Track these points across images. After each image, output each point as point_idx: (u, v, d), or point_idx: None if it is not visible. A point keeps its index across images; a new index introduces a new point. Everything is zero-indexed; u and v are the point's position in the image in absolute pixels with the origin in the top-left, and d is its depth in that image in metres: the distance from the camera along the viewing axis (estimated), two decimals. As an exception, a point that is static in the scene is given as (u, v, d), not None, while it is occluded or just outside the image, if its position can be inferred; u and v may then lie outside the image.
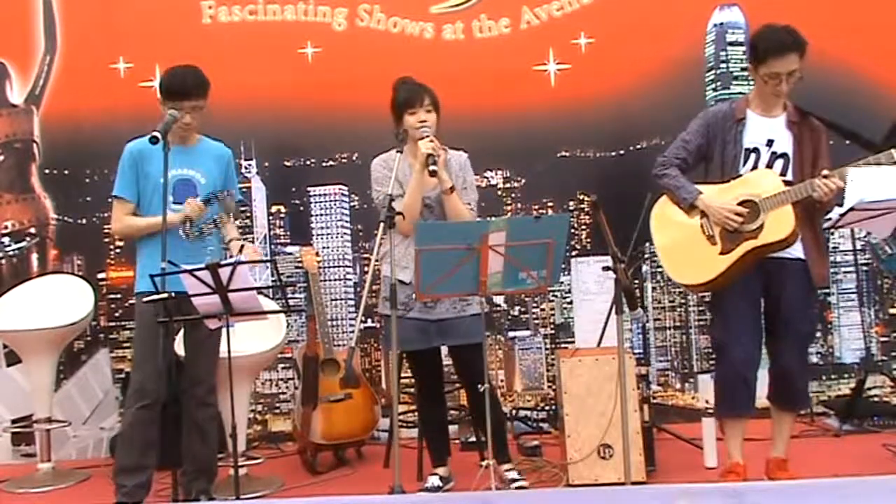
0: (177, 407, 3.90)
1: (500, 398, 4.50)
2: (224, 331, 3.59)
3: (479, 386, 3.67)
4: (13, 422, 5.16)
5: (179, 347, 4.04)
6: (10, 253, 5.31)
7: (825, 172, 3.65)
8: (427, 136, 3.84)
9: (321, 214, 5.35)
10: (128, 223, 3.95)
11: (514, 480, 4.04)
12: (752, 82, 3.97)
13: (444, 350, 4.15)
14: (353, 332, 5.17)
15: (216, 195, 3.85)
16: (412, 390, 4.88)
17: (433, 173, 3.77)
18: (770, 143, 3.82)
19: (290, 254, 5.31)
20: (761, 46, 3.75)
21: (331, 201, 5.33)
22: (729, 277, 3.80)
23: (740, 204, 3.77)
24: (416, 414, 4.39)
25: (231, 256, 3.81)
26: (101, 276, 5.30)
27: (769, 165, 3.82)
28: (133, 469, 3.84)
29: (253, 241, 5.13)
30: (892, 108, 4.82)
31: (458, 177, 4.02)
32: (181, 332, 4.03)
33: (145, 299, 3.65)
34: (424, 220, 3.94)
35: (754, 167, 3.83)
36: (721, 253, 3.80)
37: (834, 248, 5.20)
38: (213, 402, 3.99)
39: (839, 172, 3.63)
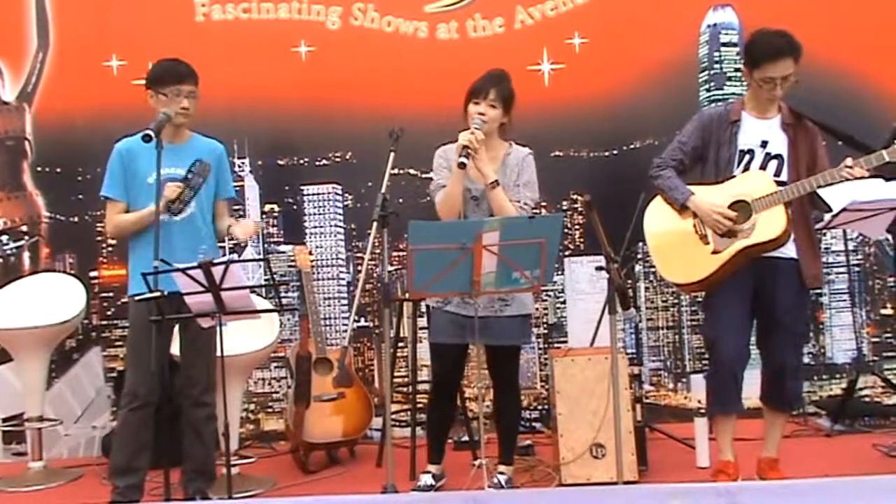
0: (172, 407, 3.90)
1: (521, 404, 4.43)
2: (218, 330, 3.59)
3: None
4: (4, 420, 5.13)
5: (176, 348, 4.02)
6: (9, 252, 5.29)
7: (849, 162, 3.61)
8: (473, 128, 3.79)
9: (315, 213, 5.34)
10: (116, 222, 3.94)
11: (501, 486, 3.96)
12: (745, 83, 3.97)
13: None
14: (346, 331, 5.17)
15: (192, 171, 3.83)
16: (405, 389, 4.88)
17: (461, 165, 3.72)
18: (764, 144, 3.82)
19: (284, 252, 5.31)
20: (756, 51, 3.75)
21: (324, 200, 5.32)
22: (721, 277, 3.80)
23: (732, 204, 3.78)
24: (426, 408, 4.25)
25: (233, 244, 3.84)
26: (93, 274, 5.28)
27: (763, 167, 3.82)
28: (124, 470, 3.85)
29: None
30: (890, 109, 4.83)
31: (512, 172, 3.95)
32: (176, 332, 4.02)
33: (137, 298, 3.63)
34: (471, 212, 3.90)
35: (747, 168, 3.83)
36: (713, 252, 3.81)
37: (826, 248, 5.21)
38: (209, 402, 3.95)
39: (865, 160, 3.60)
